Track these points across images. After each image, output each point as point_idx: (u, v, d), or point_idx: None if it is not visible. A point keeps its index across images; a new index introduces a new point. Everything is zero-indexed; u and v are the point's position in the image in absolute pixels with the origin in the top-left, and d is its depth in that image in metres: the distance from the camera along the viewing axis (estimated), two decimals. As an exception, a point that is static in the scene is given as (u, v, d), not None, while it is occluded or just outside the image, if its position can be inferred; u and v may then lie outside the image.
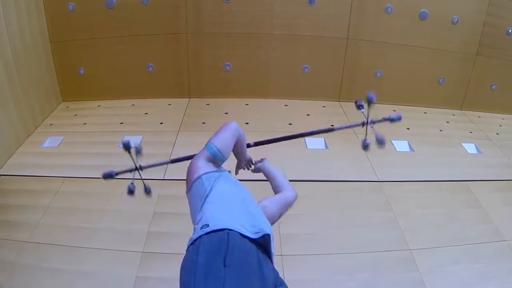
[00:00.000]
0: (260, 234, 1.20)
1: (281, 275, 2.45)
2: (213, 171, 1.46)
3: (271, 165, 1.87)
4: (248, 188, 1.49)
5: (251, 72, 4.48)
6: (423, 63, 4.51)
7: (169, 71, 4.47)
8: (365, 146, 1.94)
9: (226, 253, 1.04)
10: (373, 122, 1.93)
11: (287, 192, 1.65)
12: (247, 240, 1.15)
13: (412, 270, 2.48)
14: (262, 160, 1.90)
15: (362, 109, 1.89)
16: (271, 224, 1.48)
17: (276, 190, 1.71)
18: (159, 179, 3.16)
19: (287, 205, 1.61)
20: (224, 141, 1.57)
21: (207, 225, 1.17)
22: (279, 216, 1.57)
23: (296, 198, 1.65)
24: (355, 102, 1.90)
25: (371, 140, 1.88)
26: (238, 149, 1.71)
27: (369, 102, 1.84)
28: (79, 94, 4.51)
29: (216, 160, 1.53)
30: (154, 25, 4.21)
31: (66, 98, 4.54)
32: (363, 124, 1.93)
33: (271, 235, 1.25)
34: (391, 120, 1.91)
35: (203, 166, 1.48)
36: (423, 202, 3.11)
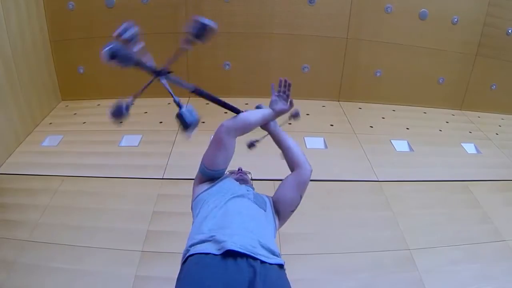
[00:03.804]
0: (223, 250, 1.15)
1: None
2: (201, 193, 1.49)
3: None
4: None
5: (250, 71, 4.48)
6: (423, 63, 4.51)
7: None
8: (250, 145, 1.83)
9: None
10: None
11: (302, 171, 1.54)
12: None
13: (411, 270, 2.48)
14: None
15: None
16: (295, 208, 1.54)
17: (290, 161, 1.59)
18: (159, 178, 3.17)
19: (305, 184, 1.54)
20: (209, 155, 1.51)
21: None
22: (301, 197, 1.54)
23: (311, 172, 1.56)
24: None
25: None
26: (262, 127, 1.65)
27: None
28: (79, 93, 4.51)
29: (209, 176, 1.52)
30: (154, 24, 4.21)
31: (66, 97, 4.53)
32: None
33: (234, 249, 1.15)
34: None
35: (195, 189, 1.53)
36: (422, 202, 3.12)
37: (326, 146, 3.72)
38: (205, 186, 1.52)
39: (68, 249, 2.52)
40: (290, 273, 2.36)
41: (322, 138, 3.80)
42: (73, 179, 3.19)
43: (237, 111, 1.62)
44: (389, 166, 3.50)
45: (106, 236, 2.61)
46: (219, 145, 1.48)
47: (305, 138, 3.77)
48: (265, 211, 1.43)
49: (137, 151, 3.52)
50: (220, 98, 1.65)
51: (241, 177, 1.74)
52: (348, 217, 2.88)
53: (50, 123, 4.05)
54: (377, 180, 3.30)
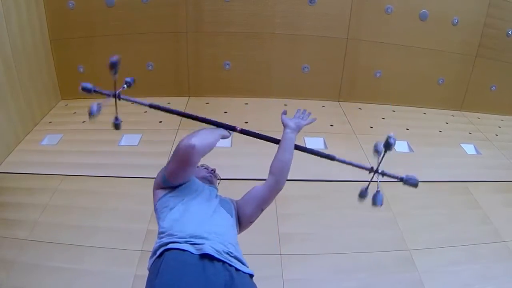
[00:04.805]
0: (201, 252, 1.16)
1: (279, 274, 2.45)
2: (165, 195, 1.41)
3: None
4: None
5: (250, 71, 4.47)
6: (422, 63, 4.51)
7: (168, 70, 4.46)
8: (361, 194, 1.69)
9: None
10: (383, 174, 1.68)
11: (274, 188, 1.51)
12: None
13: (411, 270, 2.49)
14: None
15: (378, 155, 1.66)
16: (254, 220, 1.51)
17: (274, 167, 1.56)
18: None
19: (269, 202, 1.52)
20: (173, 171, 1.39)
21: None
22: (262, 211, 1.52)
23: (279, 192, 1.52)
24: (374, 146, 1.67)
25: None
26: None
27: (387, 147, 1.61)
28: (79, 92, 4.50)
29: (170, 186, 1.43)
30: (154, 24, 4.20)
31: (65, 96, 4.52)
32: (371, 170, 1.70)
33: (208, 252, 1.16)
34: (405, 181, 1.66)
35: (157, 192, 1.44)
36: (422, 202, 3.12)
37: (326, 146, 3.72)
38: (167, 189, 1.43)
39: (68, 249, 2.52)
40: (289, 273, 2.37)
41: (322, 138, 3.80)
42: (73, 178, 3.18)
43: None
44: (389, 166, 3.49)
45: (106, 236, 2.61)
46: (185, 163, 1.35)
47: (305, 138, 3.77)
48: (232, 216, 1.43)
49: (137, 150, 3.52)
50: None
51: (210, 178, 1.66)
52: (348, 217, 2.88)
53: (50, 122, 4.05)
54: (376, 180, 3.29)
